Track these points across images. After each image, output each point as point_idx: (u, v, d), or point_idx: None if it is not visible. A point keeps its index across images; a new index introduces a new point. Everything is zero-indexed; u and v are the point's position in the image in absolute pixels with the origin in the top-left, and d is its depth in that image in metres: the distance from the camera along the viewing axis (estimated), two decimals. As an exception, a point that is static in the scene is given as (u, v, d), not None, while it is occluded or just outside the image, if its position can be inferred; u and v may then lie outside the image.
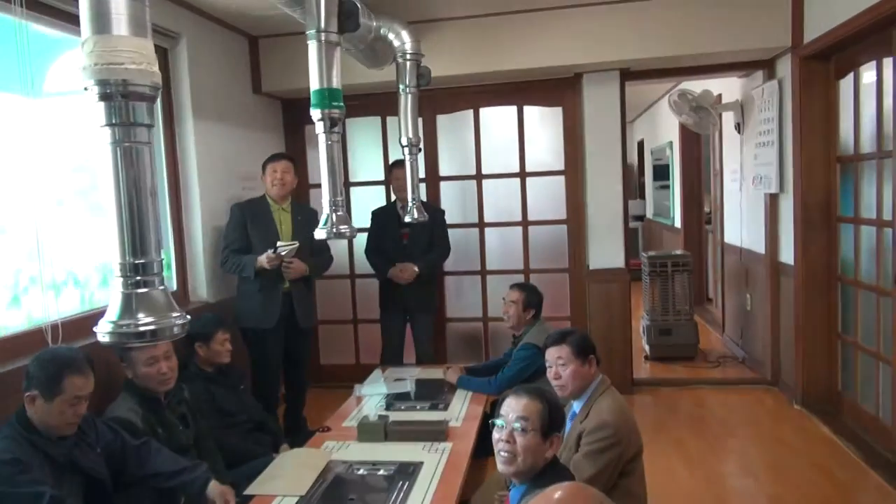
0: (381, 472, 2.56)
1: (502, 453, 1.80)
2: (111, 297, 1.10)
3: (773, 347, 4.45)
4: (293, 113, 4.91)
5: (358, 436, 2.89)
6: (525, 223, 4.77)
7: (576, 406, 2.37)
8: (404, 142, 3.29)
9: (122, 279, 1.10)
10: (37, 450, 2.02)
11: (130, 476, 2.31)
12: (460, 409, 3.26)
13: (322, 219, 2.22)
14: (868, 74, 3.43)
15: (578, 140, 4.57)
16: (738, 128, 5.07)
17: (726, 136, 5.62)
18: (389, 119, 4.80)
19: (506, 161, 4.75)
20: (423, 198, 4.32)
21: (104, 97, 1.06)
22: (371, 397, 3.45)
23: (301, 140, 4.95)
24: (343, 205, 2.28)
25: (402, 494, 2.33)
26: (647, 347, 5.44)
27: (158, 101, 3.81)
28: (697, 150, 7.28)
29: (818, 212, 3.89)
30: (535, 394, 1.84)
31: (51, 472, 2.02)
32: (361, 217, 4.64)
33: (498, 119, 4.77)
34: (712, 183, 6.73)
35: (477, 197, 4.81)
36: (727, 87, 5.36)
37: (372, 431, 2.89)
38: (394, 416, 3.06)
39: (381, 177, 4.87)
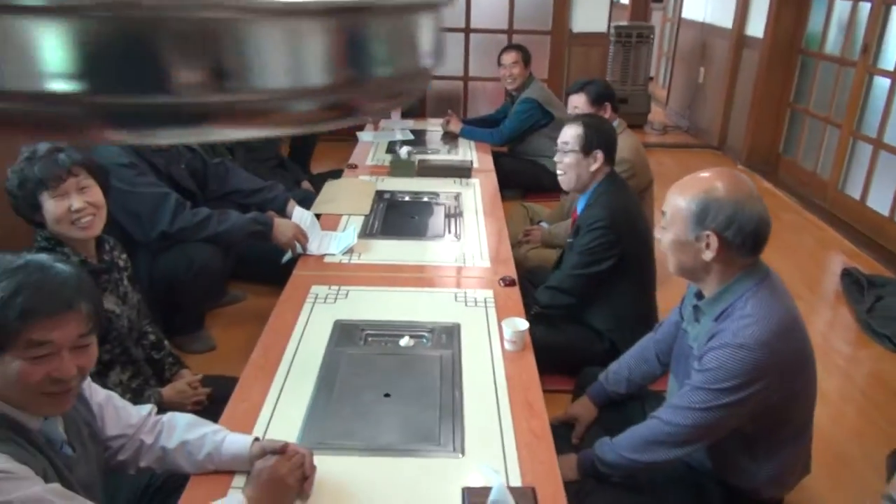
0: (426, 199, 2.84)
1: (559, 174, 2.22)
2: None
3: (724, 116, 4.93)
4: None
5: (391, 171, 3.12)
6: (512, -19, 4.72)
7: None
8: None
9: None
10: (142, 158, 2.13)
11: (211, 192, 2.47)
12: (471, 154, 3.54)
13: None
14: None
15: None
16: None
17: None
18: None
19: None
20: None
21: None
22: (376, 145, 3.61)
23: None
24: None
25: (455, 219, 2.61)
26: (602, 115, 5.81)
27: None
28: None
29: (795, -16, 4.14)
30: (573, 121, 2.22)
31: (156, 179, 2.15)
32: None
33: None
34: (672, -44, 6.74)
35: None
36: None
37: (404, 167, 3.12)
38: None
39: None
